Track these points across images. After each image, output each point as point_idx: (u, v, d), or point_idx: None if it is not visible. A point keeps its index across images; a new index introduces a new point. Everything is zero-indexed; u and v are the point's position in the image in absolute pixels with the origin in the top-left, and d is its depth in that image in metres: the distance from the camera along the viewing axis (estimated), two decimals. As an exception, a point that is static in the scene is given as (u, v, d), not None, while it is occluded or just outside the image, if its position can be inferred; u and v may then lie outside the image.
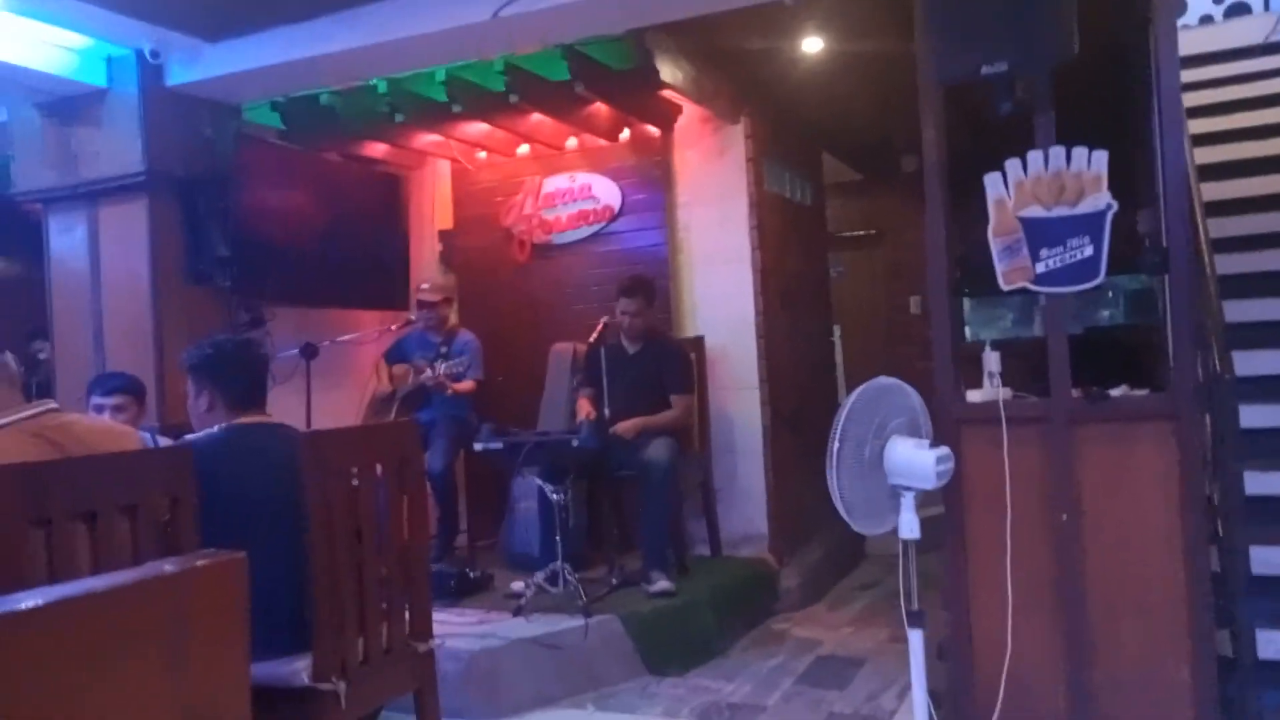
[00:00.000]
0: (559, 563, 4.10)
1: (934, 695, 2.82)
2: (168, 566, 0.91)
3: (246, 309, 4.69)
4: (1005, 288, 2.92)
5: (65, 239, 4.53)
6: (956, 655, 2.99)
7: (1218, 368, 3.01)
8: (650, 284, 4.61)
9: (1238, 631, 2.89)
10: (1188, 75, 4.54)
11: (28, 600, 0.77)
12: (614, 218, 5.26)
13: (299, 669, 2.28)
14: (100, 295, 4.44)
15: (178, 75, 4.33)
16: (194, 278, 4.48)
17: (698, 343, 4.95)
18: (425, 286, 5.13)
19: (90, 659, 0.83)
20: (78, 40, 4.17)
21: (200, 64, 4.29)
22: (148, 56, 4.23)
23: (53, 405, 2.12)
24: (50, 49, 4.15)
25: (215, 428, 2.52)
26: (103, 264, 4.44)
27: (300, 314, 5.09)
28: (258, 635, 1.76)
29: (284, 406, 4.20)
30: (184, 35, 4.17)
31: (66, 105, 4.40)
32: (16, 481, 1.81)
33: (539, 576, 4.11)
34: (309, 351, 4.73)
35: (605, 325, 4.41)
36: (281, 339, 4.82)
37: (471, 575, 4.36)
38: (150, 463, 2.22)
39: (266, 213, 4.70)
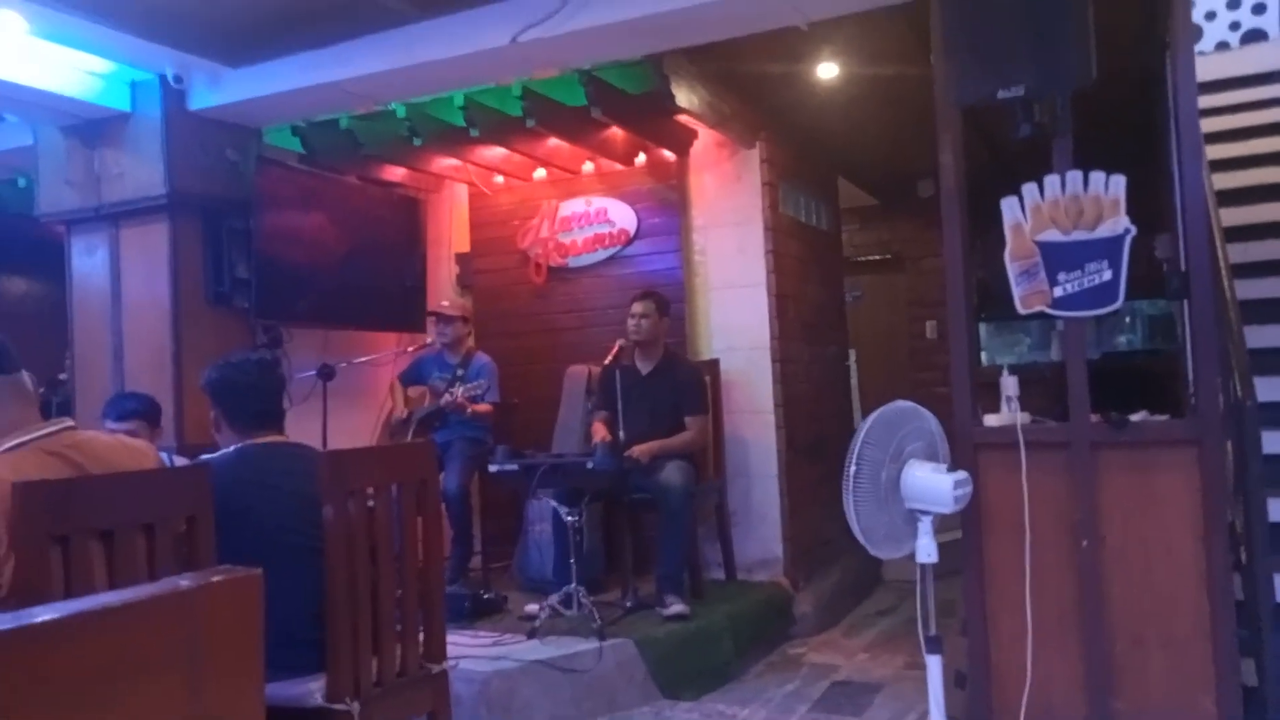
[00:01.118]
0: (573, 585, 4.08)
1: (952, 723, 2.78)
2: (183, 582, 0.91)
3: (266, 330, 4.73)
4: (1023, 312, 2.91)
5: (87, 260, 4.58)
6: (975, 683, 2.95)
7: (1239, 393, 2.98)
8: (662, 296, 4.65)
9: (1262, 660, 2.84)
10: (1205, 101, 4.54)
11: (42, 614, 0.77)
12: (629, 241, 5.28)
13: (313, 689, 2.28)
14: (121, 316, 4.48)
15: (200, 99, 4.39)
16: (214, 299, 4.52)
17: (713, 366, 4.94)
18: (445, 303, 5.19)
19: (105, 675, 0.82)
20: (102, 65, 4.24)
21: (222, 88, 4.35)
22: (171, 81, 4.29)
23: (69, 423, 2.12)
24: (75, 73, 4.21)
25: (230, 448, 2.54)
26: (124, 285, 4.49)
27: (318, 335, 5.12)
28: (271, 655, 1.76)
29: (300, 428, 4.21)
30: (206, 60, 4.24)
31: (90, 128, 4.46)
32: (36, 499, 1.82)
33: (553, 599, 4.09)
34: (326, 373, 4.75)
35: (620, 348, 4.41)
36: (300, 360, 4.85)
37: (486, 597, 4.35)
38: (167, 482, 2.23)
39: (286, 235, 4.74)
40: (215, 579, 0.93)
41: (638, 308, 4.53)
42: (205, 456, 2.54)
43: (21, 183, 5.43)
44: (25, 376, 2.09)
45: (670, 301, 4.69)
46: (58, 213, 4.62)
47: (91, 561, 1.91)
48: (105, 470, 2.08)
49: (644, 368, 4.58)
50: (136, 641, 0.86)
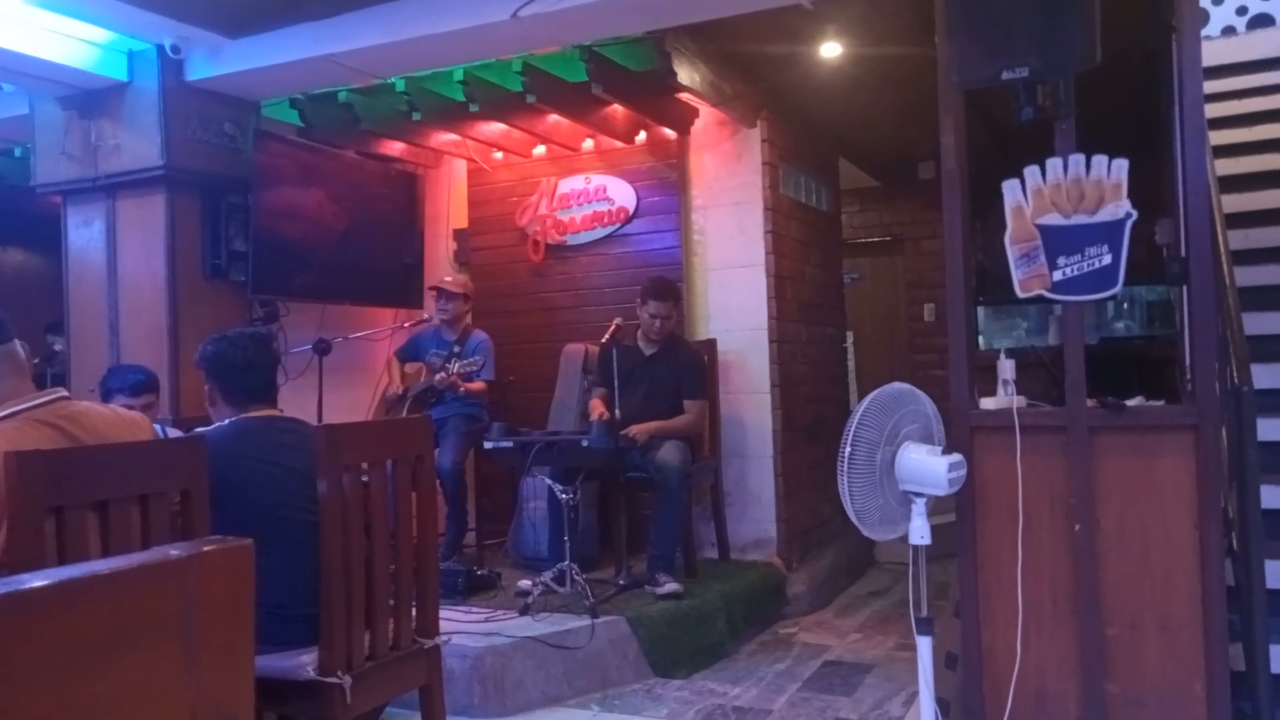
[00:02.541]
0: (567, 563, 4.09)
1: (942, 703, 2.80)
2: (174, 551, 0.91)
3: (262, 304, 4.72)
4: (1022, 295, 2.89)
5: (83, 232, 4.56)
6: (966, 664, 2.97)
7: (1236, 379, 2.98)
8: (676, 287, 4.62)
9: (1252, 646, 2.85)
10: (1210, 86, 4.52)
11: (32, 581, 0.77)
12: (628, 220, 5.26)
13: (305, 662, 2.28)
14: (117, 288, 4.46)
15: (198, 71, 4.36)
16: (211, 273, 4.50)
17: (710, 346, 4.94)
18: (447, 279, 5.18)
19: (97, 643, 0.82)
20: (100, 34, 4.20)
21: (221, 60, 4.31)
22: (169, 51, 4.25)
23: (63, 393, 2.12)
24: (72, 43, 4.18)
25: (226, 421, 2.53)
26: (120, 257, 4.47)
27: (315, 310, 5.11)
28: (265, 628, 1.76)
29: (296, 403, 4.21)
30: (205, 31, 4.20)
31: (88, 99, 4.43)
32: (31, 469, 1.81)
33: (547, 576, 4.11)
34: (322, 348, 4.74)
35: (618, 326, 4.40)
36: (296, 335, 4.85)
37: (479, 573, 4.36)
38: (162, 454, 2.23)
39: (284, 209, 4.72)
40: (206, 548, 0.93)
41: (658, 308, 4.44)
42: (200, 430, 2.54)
43: (18, 153, 5.39)
44: (18, 346, 2.08)
45: (680, 289, 4.66)
46: (54, 184, 4.59)
47: (86, 533, 1.91)
48: (100, 442, 2.08)
49: (647, 349, 4.57)
50: (128, 610, 0.85)
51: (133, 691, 0.85)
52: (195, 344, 2.68)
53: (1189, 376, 3.04)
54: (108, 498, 1.95)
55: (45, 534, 1.84)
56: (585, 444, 4.10)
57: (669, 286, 4.55)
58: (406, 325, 5.34)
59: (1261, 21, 6.39)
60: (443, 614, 2.74)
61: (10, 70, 4.19)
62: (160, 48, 4.27)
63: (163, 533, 2.04)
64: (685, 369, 4.53)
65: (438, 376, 4.75)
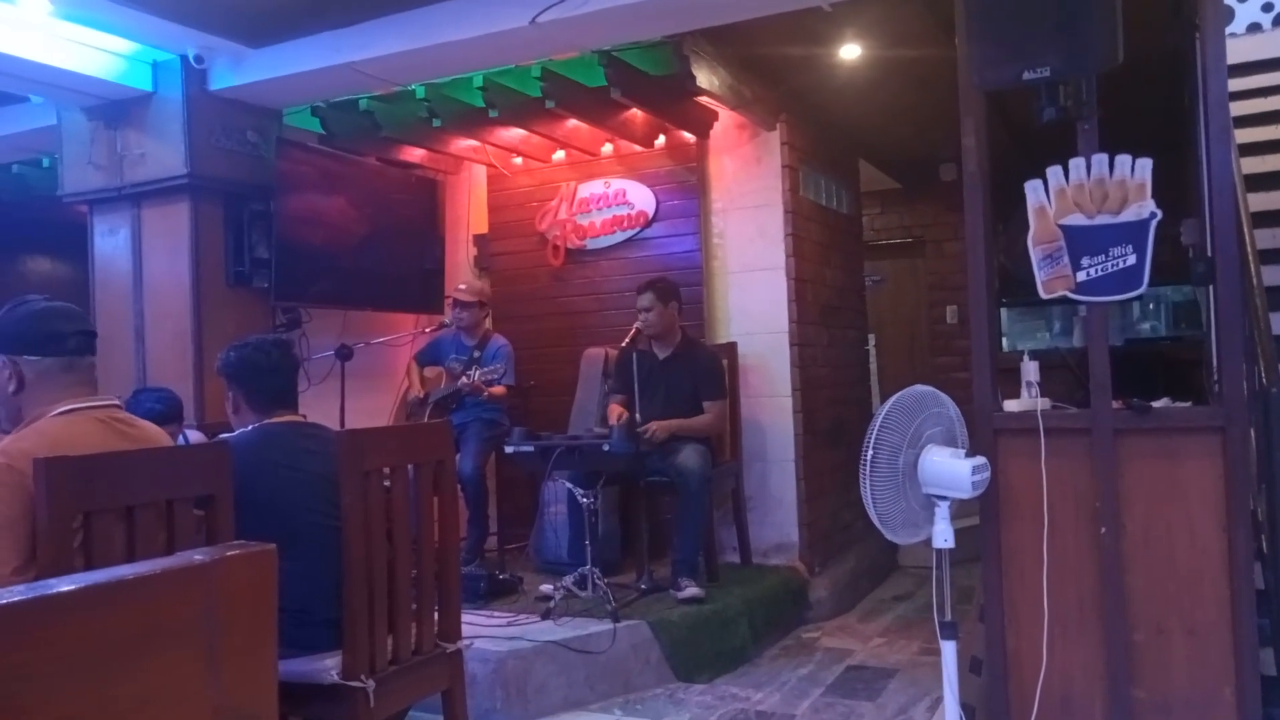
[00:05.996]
0: (588, 567, 4.09)
1: (966, 709, 2.78)
2: (198, 556, 0.91)
3: (285, 311, 4.76)
4: (1045, 296, 2.87)
5: (109, 240, 4.61)
6: (991, 669, 2.94)
7: (1264, 380, 2.94)
8: (667, 283, 4.55)
9: (1283, 651, 2.81)
10: (1235, 84, 4.47)
11: (60, 586, 0.78)
12: (648, 224, 5.26)
13: (329, 666, 2.30)
14: (142, 296, 4.52)
15: (221, 80, 4.40)
16: (234, 280, 4.54)
17: (730, 349, 4.93)
18: (461, 287, 5.16)
19: (122, 647, 0.83)
20: (125, 46, 4.25)
21: (243, 69, 4.36)
22: (192, 62, 4.29)
23: (117, 401, 2.20)
24: (98, 54, 4.23)
25: (249, 427, 2.55)
26: (145, 265, 4.52)
27: (337, 316, 5.14)
28: (289, 633, 1.77)
29: (318, 408, 4.24)
30: (228, 41, 4.24)
31: (113, 109, 4.48)
32: (62, 474, 1.83)
33: (568, 580, 4.11)
34: (344, 353, 4.78)
35: (638, 330, 4.40)
36: (319, 340, 4.88)
37: (501, 578, 4.37)
38: (188, 459, 2.25)
39: (306, 216, 4.76)
40: (230, 553, 0.94)
41: (641, 301, 4.47)
42: (224, 435, 2.56)
43: (45, 163, 5.47)
44: (93, 363, 2.16)
45: (676, 287, 4.59)
46: (81, 193, 4.65)
47: (113, 537, 1.93)
48: (150, 446, 2.14)
49: (661, 353, 4.57)
50: (152, 614, 0.86)
51: (157, 694, 0.86)
52: (219, 351, 2.71)
53: (1216, 377, 3.01)
54: (134, 503, 1.97)
55: (74, 538, 1.86)
56: (606, 448, 4.10)
57: (647, 282, 4.51)
58: (427, 330, 5.37)
59: (1288, 18, 6.30)
60: (465, 618, 2.75)
61: (38, 81, 4.25)
62: (184, 58, 4.32)
63: (187, 537, 2.06)
64: (702, 371, 4.53)
65: (461, 381, 4.77)
